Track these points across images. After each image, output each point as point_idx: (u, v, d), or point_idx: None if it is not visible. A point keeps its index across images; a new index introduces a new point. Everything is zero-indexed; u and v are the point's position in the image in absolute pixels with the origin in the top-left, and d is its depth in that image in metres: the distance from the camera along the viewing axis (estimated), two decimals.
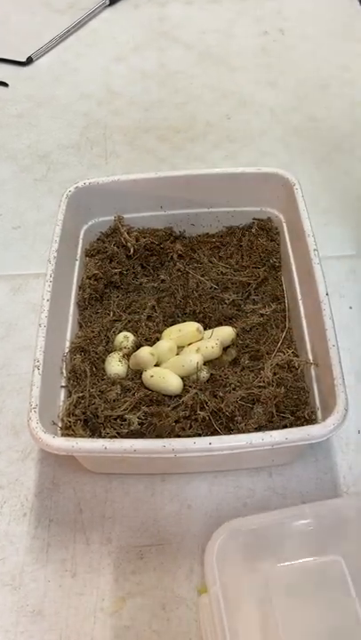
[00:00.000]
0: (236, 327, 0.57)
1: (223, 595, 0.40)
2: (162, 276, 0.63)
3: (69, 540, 0.50)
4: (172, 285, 0.62)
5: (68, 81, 0.96)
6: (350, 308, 0.64)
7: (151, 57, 0.99)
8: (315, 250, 0.54)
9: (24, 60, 0.99)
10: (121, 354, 0.55)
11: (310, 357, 0.53)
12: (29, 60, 0.99)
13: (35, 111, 0.91)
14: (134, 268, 0.63)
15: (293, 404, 0.51)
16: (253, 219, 0.64)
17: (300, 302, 0.56)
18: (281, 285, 0.61)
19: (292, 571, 0.43)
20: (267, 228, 0.64)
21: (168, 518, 0.51)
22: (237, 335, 0.57)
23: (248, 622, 0.40)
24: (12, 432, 0.57)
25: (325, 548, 0.44)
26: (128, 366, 0.55)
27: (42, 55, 1.00)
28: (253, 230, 0.64)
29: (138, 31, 1.04)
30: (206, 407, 0.50)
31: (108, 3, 1.09)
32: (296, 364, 0.52)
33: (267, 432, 0.44)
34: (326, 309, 0.50)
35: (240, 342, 0.57)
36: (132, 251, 0.62)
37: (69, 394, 0.52)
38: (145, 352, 0.53)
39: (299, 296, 0.57)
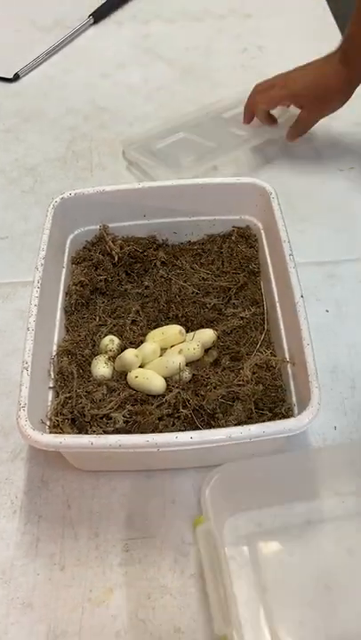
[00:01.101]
0: (217, 330, 0.60)
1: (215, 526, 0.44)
2: (146, 283, 0.65)
3: (58, 534, 0.52)
4: (155, 291, 0.64)
5: (54, 96, 0.99)
6: (327, 311, 0.67)
7: (135, 73, 1.02)
8: (290, 255, 0.57)
9: (11, 76, 1.02)
10: (106, 356, 0.58)
11: (287, 357, 0.56)
12: (16, 77, 1.02)
13: (22, 126, 0.94)
14: (119, 275, 0.65)
15: (271, 402, 0.53)
16: (233, 227, 0.67)
17: (278, 305, 0.59)
18: (260, 290, 0.64)
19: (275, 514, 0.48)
20: (246, 236, 0.67)
21: (153, 513, 0.53)
22: (218, 337, 0.59)
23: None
24: (1, 434, 0.59)
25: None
26: (113, 368, 0.57)
27: (28, 72, 1.03)
28: (233, 238, 0.67)
29: (122, 48, 1.07)
30: (188, 405, 0.52)
31: (92, 21, 1.13)
32: (274, 364, 0.55)
33: (245, 426, 0.47)
34: (301, 311, 0.53)
35: (221, 344, 0.59)
36: (116, 258, 0.65)
37: (57, 394, 0.54)
38: (130, 354, 0.56)
39: (276, 299, 0.59)
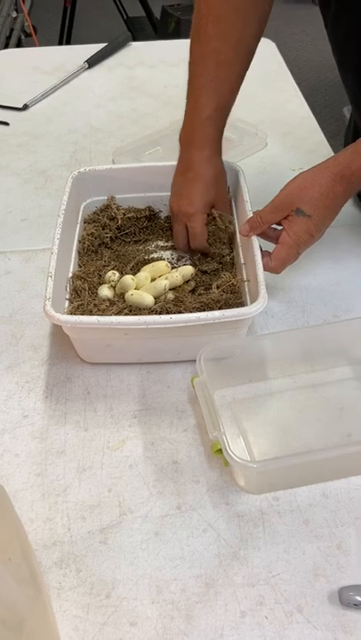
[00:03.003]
0: (196, 267, 0.78)
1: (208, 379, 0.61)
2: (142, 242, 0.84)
3: (81, 409, 0.68)
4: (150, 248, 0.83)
5: (57, 121, 1.20)
6: None
7: (124, 104, 1.24)
8: (250, 210, 0.76)
9: (21, 106, 1.23)
10: (109, 285, 0.75)
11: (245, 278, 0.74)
12: (25, 107, 1.24)
13: (32, 142, 1.14)
14: (122, 237, 0.84)
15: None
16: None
17: (241, 248, 0.78)
18: (230, 242, 0.83)
19: (245, 390, 0.64)
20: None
21: (153, 394, 0.70)
22: (197, 274, 0.78)
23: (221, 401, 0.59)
24: (32, 349, 0.76)
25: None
26: (115, 293, 0.75)
27: (35, 103, 1.25)
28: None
29: (112, 86, 1.30)
30: (170, 311, 0.70)
31: (87, 66, 1.36)
32: (235, 282, 0.73)
33: (210, 311, 0.64)
34: (255, 241, 0.72)
35: (198, 279, 0.78)
36: (120, 222, 0.83)
37: (71, 302, 0.72)
38: (127, 278, 0.74)
39: (239, 244, 0.78)
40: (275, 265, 0.72)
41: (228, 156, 0.89)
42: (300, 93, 1.25)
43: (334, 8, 0.80)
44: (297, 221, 0.70)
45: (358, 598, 0.51)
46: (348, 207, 0.95)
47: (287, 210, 0.71)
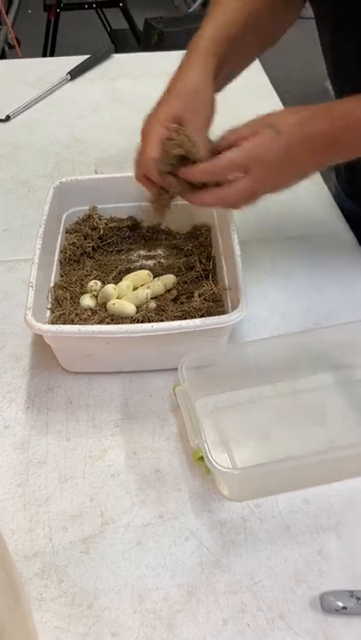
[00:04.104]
0: (178, 276, 0.79)
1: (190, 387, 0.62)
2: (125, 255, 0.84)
3: (63, 419, 0.68)
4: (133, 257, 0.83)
5: (40, 132, 1.20)
6: (264, 271, 0.87)
7: (107, 115, 1.25)
8: (232, 218, 0.77)
9: (3, 117, 1.23)
10: (91, 294, 0.75)
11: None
12: (7, 118, 1.24)
13: (15, 152, 1.14)
14: (104, 247, 0.84)
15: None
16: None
17: (223, 257, 0.78)
18: (211, 252, 0.83)
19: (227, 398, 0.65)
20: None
21: (135, 403, 0.70)
22: (179, 284, 0.78)
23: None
24: (13, 359, 0.75)
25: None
26: (97, 302, 0.75)
27: (18, 114, 1.25)
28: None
29: (95, 98, 1.31)
30: (152, 320, 0.70)
31: (69, 78, 1.37)
32: (216, 291, 0.73)
33: (190, 320, 0.65)
34: (238, 259, 0.72)
35: (180, 288, 0.78)
36: (102, 232, 0.84)
37: (53, 312, 0.72)
38: (109, 287, 0.74)
39: (222, 255, 0.79)
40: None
41: None
42: (280, 103, 1.27)
43: (333, 24, 0.77)
44: (262, 133, 0.62)
45: (340, 604, 0.51)
46: (328, 213, 0.96)
47: (258, 125, 0.63)
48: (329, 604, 0.52)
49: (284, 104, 1.26)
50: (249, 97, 1.28)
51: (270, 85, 1.35)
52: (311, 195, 1.00)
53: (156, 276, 0.79)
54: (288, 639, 0.51)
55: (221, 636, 0.51)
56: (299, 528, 0.58)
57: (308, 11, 0.83)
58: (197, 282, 0.79)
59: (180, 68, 0.69)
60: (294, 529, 0.58)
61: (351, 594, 0.52)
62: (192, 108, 0.67)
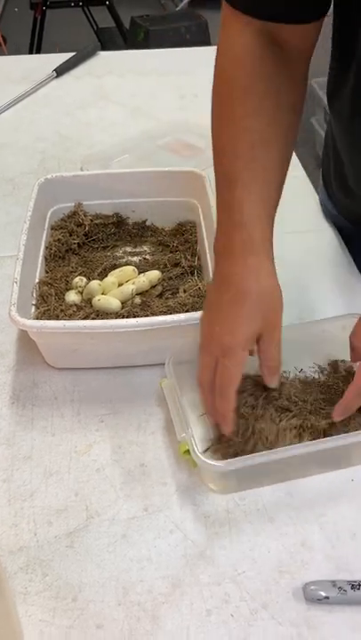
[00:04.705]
0: (163, 272, 0.79)
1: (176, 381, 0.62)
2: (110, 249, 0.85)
3: (48, 415, 0.68)
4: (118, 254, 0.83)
5: (25, 129, 1.20)
6: None
7: (93, 113, 1.25)
8: (216, 214, 0.77)
9: None
10: (77, 290, 0.76)
11: None
12: None
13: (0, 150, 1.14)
14: (89, 243, 0.84)
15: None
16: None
17: (208, 254, 0.79)
18: (196, 249, 0.84)
19: None
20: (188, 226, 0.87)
21: (120, 398, 0.70)
22: (164, 280, 0.78)
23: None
24: None
25: None
26: (82, 298, 0.75)
27: (3, 111, 1.25)
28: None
29: (81, 94, 1.31)
30: (137, 315, 0.71)
31: (55, 75, 1.36)
32: (201, 287, 0.74)
33: (175, 314, 0.65)
34: None
35: (166, 284, 0.78)
36: (87, 228, 0.84)
37: (38, 308, 0.72)
38: (94, 283, 0.75)
39: (207, 250, 0.79)
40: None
41: (193, 164, 0.91)
42: None
43: None
44: None
45: (322, 593, 0.52)
46: (313, 211, 0.97)
47: None
48: (312, 594, 0.52)
49: None
50: None
51: None
52: (297, 193, 1.00)
53: (141, 272, 0.79)
54: (271, 629, 0.52)
55: (205, 627, 0.52)
56: (282, 520, 0.59)
57: None
58: (183, 278, 0.80)
59: (246, 267, 0.59)
60: (278, 521, 0.59)
61: (333, 584, 0.52)
62: (269, 317, 0.59)
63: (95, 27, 3.02)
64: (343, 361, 0.70)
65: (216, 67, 0.63)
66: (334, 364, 0.70)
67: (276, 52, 0.61)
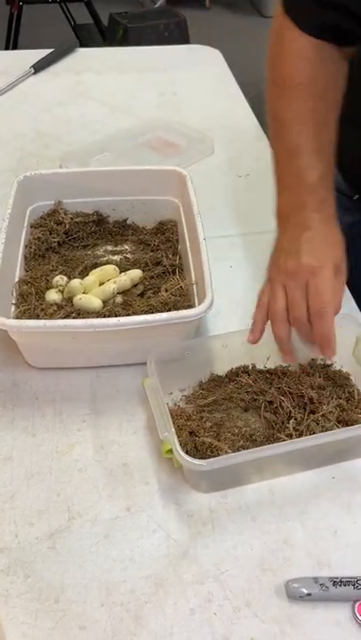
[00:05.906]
0: (145, 271, 0.79)
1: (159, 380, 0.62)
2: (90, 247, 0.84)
3: (29, 415, 0.68)
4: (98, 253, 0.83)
5: (3, 126, 1.18)
6: (230, 267, 0.87)
7: (72, 109, 1.24)
8: (198, 213, 0.77)
9: None
10: (57, 289, 0.75)
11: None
12: None
13: None
14: (70, 242, 0.84)
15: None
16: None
17: (189, 250, 0.79)
18: (177, 247, 0.84)
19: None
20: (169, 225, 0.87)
21: (102, 398, 0.70)
22: (146, 279, 0.78)
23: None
24: None
25: None
26: (63, 297, 0.75)
27: None
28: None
29: (60, 91, 1.30)
30: (119, 314, 0.70)
31: (33, 71, 1.35)
32: (183, 285, 0.74)
33: (157, 314, 0.65)
34: (203, 248, 0.72)
35: (147, 283, 0.78)
36: (67, 227, 0.83)
37: (18, 307, 0.71)
38: (75, 282, 0.74)
39: (188, 247, 0.79)
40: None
41: (174, 162, 0.90)
42: (245, 101, 1.27)
43: None
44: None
45: (304, 590, 0.52)
46: None
47: None
48: (294, 591, 0.52)
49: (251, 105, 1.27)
50: (213, 92, 1.30)
51: (234, 81, 1.35)
52: None
53: (122, 271, 0.79)
54: (254, 627, 0.52)
55: (189, 626, 0.52)
56: (265, 518, 0.59)
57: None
58: (164, 277, 0.80)
59: (323, 218, 0.68)
60: (260, 519, 0.59)
61: (315, 580, 0.53)
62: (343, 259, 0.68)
63: (73, 23, 2.99)
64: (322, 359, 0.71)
65: (278, 55, 0.72)
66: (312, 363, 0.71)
67: (331, 51, 0.70)
